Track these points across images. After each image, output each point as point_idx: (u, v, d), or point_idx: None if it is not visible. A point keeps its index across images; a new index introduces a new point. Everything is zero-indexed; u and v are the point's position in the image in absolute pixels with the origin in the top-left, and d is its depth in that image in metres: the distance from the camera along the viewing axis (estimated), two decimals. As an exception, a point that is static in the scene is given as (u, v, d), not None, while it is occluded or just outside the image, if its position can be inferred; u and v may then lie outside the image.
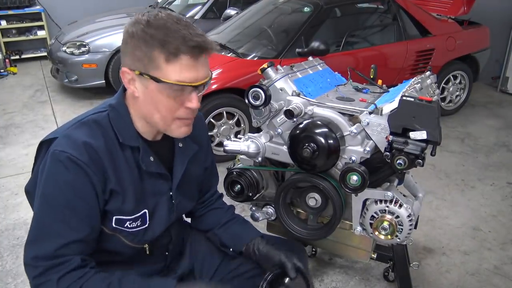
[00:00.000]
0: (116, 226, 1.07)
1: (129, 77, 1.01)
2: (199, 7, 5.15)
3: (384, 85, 1.93)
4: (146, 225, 1.12)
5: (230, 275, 1.34)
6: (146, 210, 1.11)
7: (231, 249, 1.34)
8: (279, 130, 1.56)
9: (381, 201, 1.45)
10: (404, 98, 1.32)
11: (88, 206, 1.00)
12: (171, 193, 1.17)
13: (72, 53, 4.57)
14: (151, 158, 1.10)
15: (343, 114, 1.51)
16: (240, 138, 1.62)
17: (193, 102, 1.01)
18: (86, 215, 1.00)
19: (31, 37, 6.39)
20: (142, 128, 1.09)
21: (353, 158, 1.43)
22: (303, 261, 1.38)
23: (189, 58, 0.96)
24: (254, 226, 1.43)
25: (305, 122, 1.44)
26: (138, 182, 1.08)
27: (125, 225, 1.08)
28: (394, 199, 1.43)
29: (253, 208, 1.74)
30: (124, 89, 1.09)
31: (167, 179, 1.16)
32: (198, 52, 0.97)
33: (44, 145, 1.05)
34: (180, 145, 1.19)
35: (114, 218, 1.06)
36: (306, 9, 3.60)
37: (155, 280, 1.09)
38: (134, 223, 1.09)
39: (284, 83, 1.57)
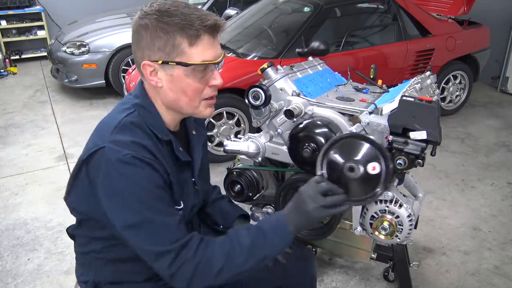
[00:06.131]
0: None
1: (151, 69, 1.02)
2: (199, 7, 5.15)
3: (384, 85, 1.93)
4: (181, 213, 1.14)
5: None
6: (181, 200, 1.14)
7: (221, 226, 1.38)
8: (279, 130, 1.56)
9: (381, 201, 1.45)
10: (404, 98, 1.32)
11: (167, 193, 1.04)
12: (193, 179, 1.19)
13: (72, 53, 4.56)
14: (180, 148, 1.12)
15: (343, 114, 1.51)
16: (240, 138, 1.62)
17: (217, 78, 1.07)
18: (170, 200, 1.05)
19: (31, 37, 6.38)
20: (168, 119, 1.10)
21: (353, 158, 1.43)
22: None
23: (209, 37, 1.00)
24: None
25: (305, 122, 1.44)
26: (176, 173, 1.10)
27: None
28: (394, 199, 1.43)
29: (253, 208, 1.75)
30: (142, 84, 1.09)
31: (191, 166, 1.18)
32: (215, 30, 1.01)
33: (85, 162, 1.02)
34: (194, 132, 1.22)
35: None
36: (306, 9, 3.60)
37: (265, 222, 1.09)
38: (180, 212, 1.12)
39: (284, 83, 1.57)
